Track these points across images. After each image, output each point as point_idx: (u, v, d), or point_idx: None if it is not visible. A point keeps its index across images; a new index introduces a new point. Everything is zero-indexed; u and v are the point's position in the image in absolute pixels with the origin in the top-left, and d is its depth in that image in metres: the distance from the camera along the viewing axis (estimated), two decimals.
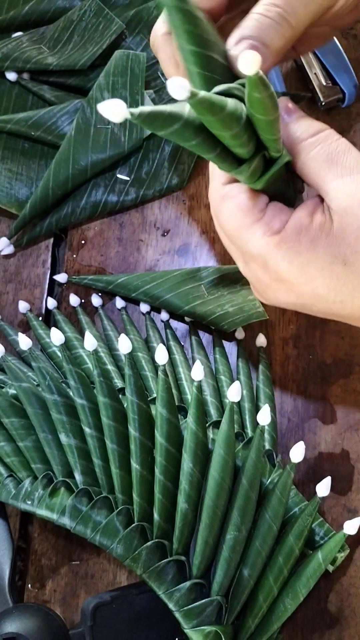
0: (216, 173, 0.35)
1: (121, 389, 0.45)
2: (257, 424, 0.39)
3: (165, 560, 0.39)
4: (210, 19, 0.33)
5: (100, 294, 0.52)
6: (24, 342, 0.42)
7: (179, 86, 0.25)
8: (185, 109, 0.28)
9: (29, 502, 0.41)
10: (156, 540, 0.40)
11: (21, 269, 0.54)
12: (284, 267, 0.33)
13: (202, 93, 0.26)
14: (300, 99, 0.55)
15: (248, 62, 0.25)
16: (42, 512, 0.40)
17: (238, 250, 0.36)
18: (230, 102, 0.28)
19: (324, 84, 0.54)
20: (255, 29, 0.32)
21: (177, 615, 0.39)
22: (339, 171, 0.32)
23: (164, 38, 0.37)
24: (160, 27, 0.37)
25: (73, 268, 0.53)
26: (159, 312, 0.51)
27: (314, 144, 0.32)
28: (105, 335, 0.51)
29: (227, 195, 0.34)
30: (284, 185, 0.36)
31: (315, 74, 0.54)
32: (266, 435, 0.46)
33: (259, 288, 0.37)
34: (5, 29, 0.58)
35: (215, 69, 0.32)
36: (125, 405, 0.41)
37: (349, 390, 0.48)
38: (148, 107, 0.27)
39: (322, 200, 0.33)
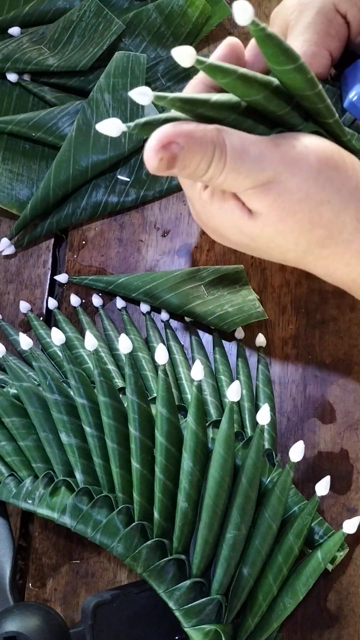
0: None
1: (121, 389, 0.45)
2: (257, 423, 0.39)
3: (166, 559, 0.39)
4: None
5: (100, 294, 0.53)
6: (25, 342, 0.42)
7: (187, 54, 0.27)
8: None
9: (30, 501, 0.41)
10: (156, 539, 0.40)
11: (22, 270, 0.54)
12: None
13: (210, 60, 0.28)
14: None
15: (241, 13, 0.26)
16: (43, 511, 0.40)
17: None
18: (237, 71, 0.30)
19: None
20: None
21: (177, 614, 0.39)
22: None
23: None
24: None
25: (74, 268, 0.54)
26: (159, 312, 0.51)
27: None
28: (105, 335, 0.51)
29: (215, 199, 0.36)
30: None
31: None
32: (266, 435, 0.46)
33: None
34: (5, 29, 0.58)
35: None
36: (125, 405, 0.41)
37: (348, 390, 0.48)
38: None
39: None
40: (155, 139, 0.30)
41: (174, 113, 0.30)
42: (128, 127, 0.28)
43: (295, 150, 0.33)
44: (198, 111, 0.30)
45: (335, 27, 0.40)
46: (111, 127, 0.28)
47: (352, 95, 0.39)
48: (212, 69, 0.29)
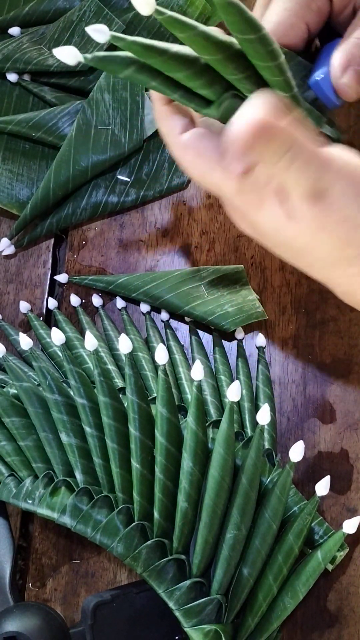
0: (172, 124, 0.35)
1: (121, 389, 0.45)
2: (257, 423, 0.39)
3: (166, 559, 0.39)
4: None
5: (100, 294, 0.53)
6: (25, 342, 0.42)
7: (145, 2, 0.27)
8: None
9: (30, 501, 0.41)
10: (156, 539, 0.40)
11: (22, 270, 0.54)
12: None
13: (170, 12, 0.28)
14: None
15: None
16: (43, 511, 0.40)
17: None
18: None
19: None
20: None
21: (177, 614, 0.39)
22: None
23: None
24: None
25: (74, 268, 0.54)
26: (159, 312, 0.51)
27: None
28: (105, 335, 0.51)
29: (188, 145, 0.34)
30: None
31: None
32: (266, 435, 0.46)
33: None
34: (5, 29, 0.58)
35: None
36: (125, 405, 0.41)
37: (348, 390, 0.48)
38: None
39: None
40: (241, 165, 0.30)
41: (133, 55, 0.31)
42: (85, 58, 0.29)
43: (349, 167, 0.33)
44: (155, 59, 0.30)
45: (317, 2, 0.40)
46: (68, 54, 0.28)
47: (317, 74, 0.39)
48: (172, 22, 0.28)
